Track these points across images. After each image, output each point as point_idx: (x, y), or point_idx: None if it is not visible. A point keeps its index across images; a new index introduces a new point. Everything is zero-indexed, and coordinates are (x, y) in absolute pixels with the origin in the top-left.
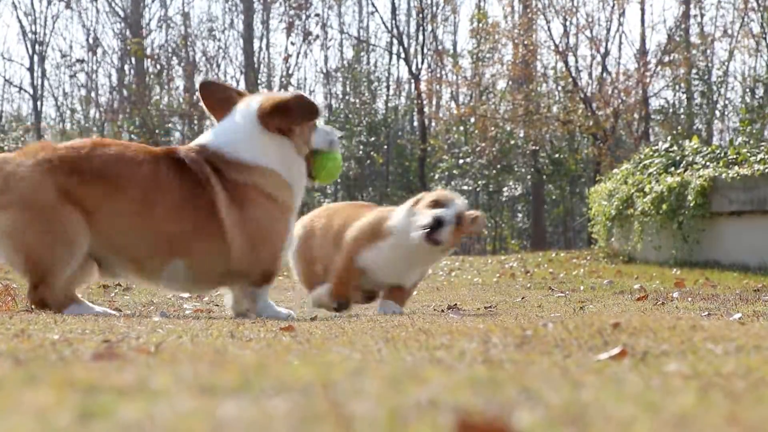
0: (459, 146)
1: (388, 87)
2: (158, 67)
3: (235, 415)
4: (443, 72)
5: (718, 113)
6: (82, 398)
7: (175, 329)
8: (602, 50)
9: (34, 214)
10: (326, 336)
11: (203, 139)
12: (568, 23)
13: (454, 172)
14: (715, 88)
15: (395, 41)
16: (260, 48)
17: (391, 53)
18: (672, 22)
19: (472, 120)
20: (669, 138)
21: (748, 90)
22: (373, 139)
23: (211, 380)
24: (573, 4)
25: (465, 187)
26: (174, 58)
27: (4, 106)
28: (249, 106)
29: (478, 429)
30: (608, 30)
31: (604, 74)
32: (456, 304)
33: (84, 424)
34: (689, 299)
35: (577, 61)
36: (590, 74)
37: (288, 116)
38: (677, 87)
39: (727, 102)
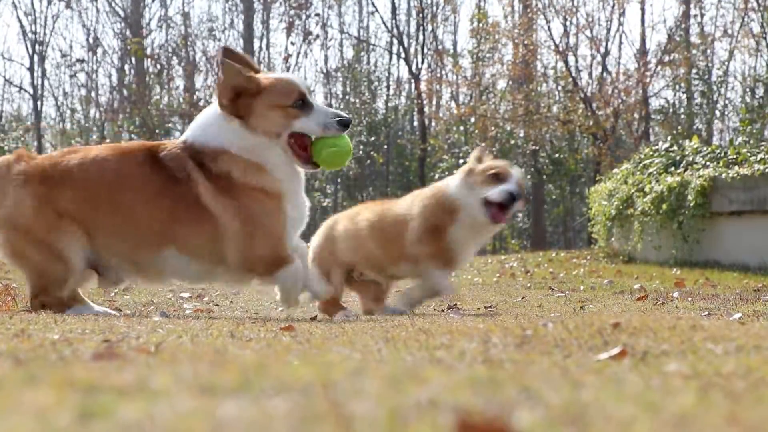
0: (459, 146)
1: (388, 87)
2: (158, 66)
3: (235, 415)
4: (443, 72)
5: (718, 113)
6: (82, 398)
7: (175, 329)
8: (602, 50)
9: (26, 233)
10: (326, 336)
11: (185, 133)
12: (568, 23)
13: (454, 172)
14: (715, 87)
15: (395, 41)
16: (260, 48)
17: (391, 53)
18: (672, 22)
19: (472, 120)
20: (669, 138)
21: (748, 90)
22: (373, 138)
23: (211, 380)
24: (573, 4)
25: None
26: (174, 58)
27: (4, 106)
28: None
29: (478, 429)
30: (608, 30)
31: (604, 74)
32: (456, 304)
33: (84, 424)
34: (689, 299)
35: (577, 61)
36: (590, 74)
37: (225, 92)
38: (677, 87)
39: (727, 102)
